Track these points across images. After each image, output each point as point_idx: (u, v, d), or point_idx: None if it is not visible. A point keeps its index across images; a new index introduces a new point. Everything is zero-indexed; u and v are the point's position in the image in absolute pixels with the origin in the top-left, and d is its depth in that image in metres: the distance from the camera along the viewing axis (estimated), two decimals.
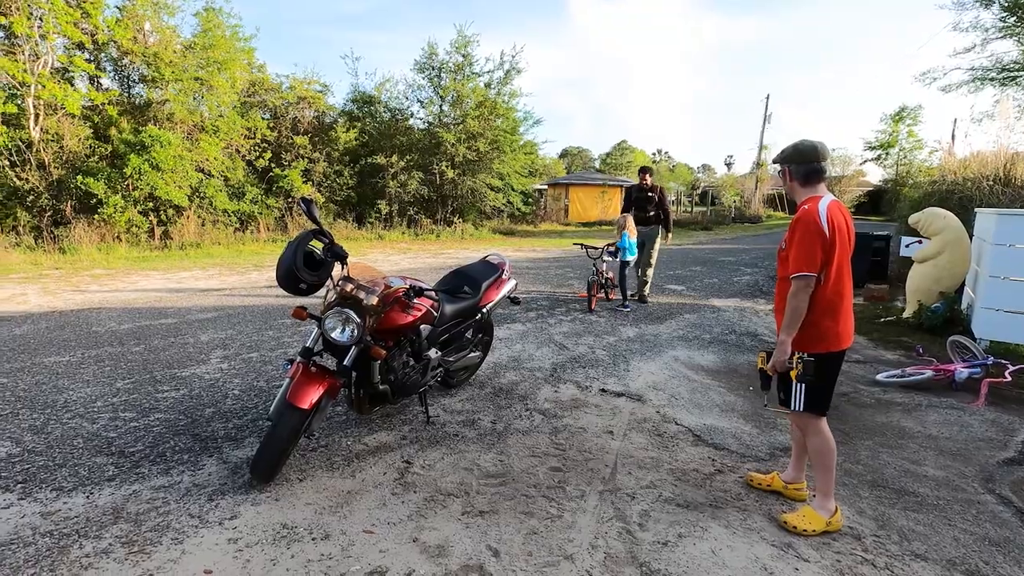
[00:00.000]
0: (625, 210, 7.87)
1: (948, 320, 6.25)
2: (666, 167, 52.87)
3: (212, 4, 15.26)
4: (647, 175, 7.74)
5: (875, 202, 39.01)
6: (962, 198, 8.51)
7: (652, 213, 7.70)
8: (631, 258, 7.41)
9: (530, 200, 26.76)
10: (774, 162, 2.80)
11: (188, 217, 13.73)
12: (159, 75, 14.17)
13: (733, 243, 19.79)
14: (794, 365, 2.44)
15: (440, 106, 20.12)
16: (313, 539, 2.33)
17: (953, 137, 18.82)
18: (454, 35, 19.38)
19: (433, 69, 19.53)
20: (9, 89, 12.31)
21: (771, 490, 2.84)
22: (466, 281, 3.92)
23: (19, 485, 2.65)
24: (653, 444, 3.40)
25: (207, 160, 14.24)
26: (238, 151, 15.55)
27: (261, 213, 15.60)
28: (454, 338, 3.80)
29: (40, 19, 12.43)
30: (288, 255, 2.80)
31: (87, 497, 2.57)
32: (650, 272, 7.86)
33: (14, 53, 12.31)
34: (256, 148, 15.92)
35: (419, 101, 20.28)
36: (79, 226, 11.94)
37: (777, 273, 2.71)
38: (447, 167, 19.02)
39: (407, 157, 18.62)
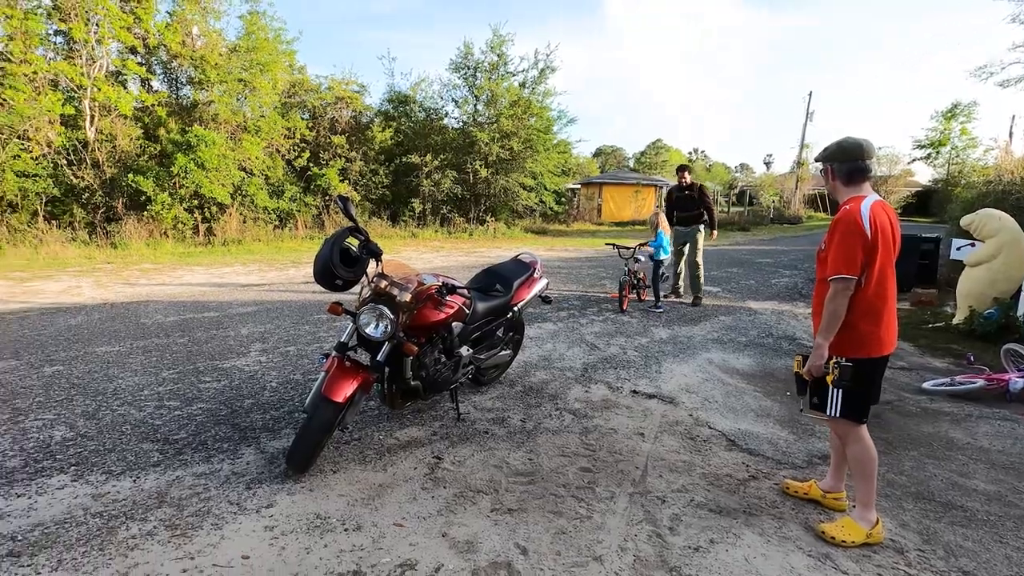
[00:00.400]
0: (668, 213, 7.74)
1: (1002, 327, 5.94)
2: (702, 166, 51.87)
3: (256, 8, 15.73)
4: (685, 173, 7.58)
5: (924, 203, 37.36)
6: (1020, 199, 8.07)
7: (694, 212, 7.52)
8: (664, 257, 7.31)
9: (563, 199, 26.69)
10: (816, 160, 2.71)
11: (230, 214, 14.18)
12: (205, 77, 14.68)
13: (771, 244, 19.28)
14: (830, 370, 2.36)
15: (474, 105, 20.22)
16: (345, 530, 2.38)
17: (1011, 135, 17.88)
18: (489, 35, 19.44)
19: (468, 68, 19.66)
20: (68, 92, 12.97)
21: (808, 499, 2.76)
22: (498, 279, 3.94)
23: (72, 467, 2.79)
24: (685, 447, 3.34)
25: (249, 159, 14.69)
26: (278, 150, 15.98)
27: (299, 211, 15.98)
28: (485, 336, 3.81)
29: (96, 25, 13.04)
30: (325, 252, 2.86)
31: (134, 481, 2.69)
32: (700, 273, 7.60)
33: (72, 58, 12.95)
34: (295, 148, 16.33)
35: (454, 100, 20.44)
36: (129, 222, 12.47)
37: (816, 275, 2.63)
38: (480, 166, 19.11)
39: (441, 156, 18.80)
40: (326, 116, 18.38)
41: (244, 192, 14.60)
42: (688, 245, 7.72)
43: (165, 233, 12.91)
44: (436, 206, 19.18)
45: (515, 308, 3.94)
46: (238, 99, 15.46)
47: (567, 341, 5.59)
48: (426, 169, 18.35)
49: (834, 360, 2.37)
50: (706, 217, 7.58)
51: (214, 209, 14.00)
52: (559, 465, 3.04)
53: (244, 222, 14.47)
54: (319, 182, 16.49)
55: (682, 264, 8.07)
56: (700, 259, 7.62)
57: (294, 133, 16.32)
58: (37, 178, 11.91)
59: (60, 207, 12.66)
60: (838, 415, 2.43)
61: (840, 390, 2.40)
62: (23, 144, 11.77)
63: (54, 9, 12.72)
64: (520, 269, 4.12)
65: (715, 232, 7.76)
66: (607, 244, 8.31)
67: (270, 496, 2.60)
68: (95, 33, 12.96)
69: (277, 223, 15.47)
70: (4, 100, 11.45)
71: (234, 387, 3.99)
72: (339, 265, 2.88)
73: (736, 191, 42.26)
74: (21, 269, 9.04)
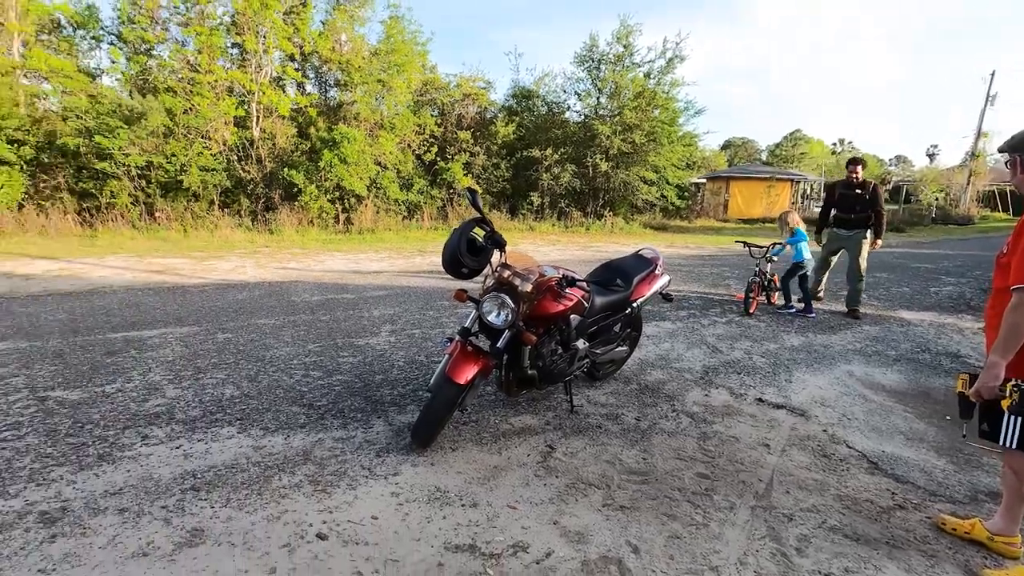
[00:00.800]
0: (824, 209, 6.99)
1: None
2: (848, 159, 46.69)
3: (396, 12, 16.86)
4: (858, 168, 6.59)
5: None
6: None
7: (862, 214, 6.51)
8: (804, 260, 6.60)
9: (686, 194, 25.50)
10: (1001, 150, 2.33)
11: (366, 205, 15.42)
12: (349, 79, 16.05)
13: (932, 248, 16.90)
14: (1008, 394, 2.03)
15: (597, 98, 19.98)
16: (462, 505, 2.51)
17: None
18: (616, 25, 19.05)
19: (592, 61, 19.45)
20: (239, 96, 14.88)
21: (970, 539, 2.41)
22: (618, 274, 3.89)
23: (238, 422, 3.24)
24: (817, 465, 3.07)
25: (384, 154, 15.84)
26: (409, 146, 17.04)
27: (426, 203, 16.94)
28: (602, 330, 3.79)
29: (264, 37, 14.80)
30: (453, 241, 3.02)
31: (285, 439, 3.06)
32: (861, 285, 6.64)
33: (244, 66, 14.83)
34: (425, 143, 17.30)
35: (576, 94, 20.34)
36: (283, 211, 14.06)
37: (993, 283, 2.28)
38: (601, 160, 18.87)
39: (561, 150, 18.84)
40: (453, 112, 19.22)
41: (378, 185, 15.79)
42: (847, 252, 6.74)
43: (312, 221, 14.37)
44: (554, 200, 19.29)
45: (634, 304, 3.87)
46: (376, 98, 16.71)
47: (686, 341, 5.37)
48: (546, 163, 18.51)
49: (1012, 383, 2.04)
50: (873, 221, 6.54)
51: (352, 200, 15.30)
52: (674, 468, 2.95)
53: (377, 212, 15.66)
54: (444, 175, 17.33)
55: (826, 274, 7.29)
56: (863, 268, 6.58)
57: (424, 129, 17.29)
58: (214, 172, 13.83)
59: (231, 197, 14.59)
60: (1014, 446, 2.09)
61: (1019, 418, 2.06)
62: (205, 143, 13.72)
63: (232, 25, 14.65)
64: (641, 264, 4.03)
65: (880, 241, 6.65)
66: (737, 242, 7.82)
67: (396, 465, 2.82)
68: (263, 44, 14.72)
69: (406, 214, 16.53)
70: (193, 105, 13.42)
71: (367, 363, 4.36)
72: (465, 254, 3.03)
73: (889, 186, 37.53)
74: (200, 249, 10.59)
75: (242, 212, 14.31)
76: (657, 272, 4.09)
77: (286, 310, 5.97)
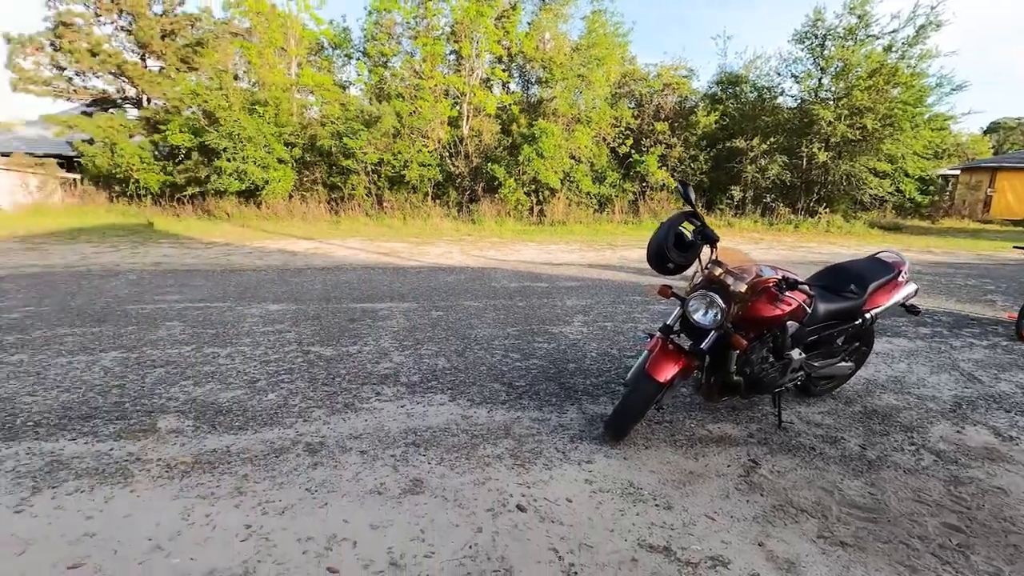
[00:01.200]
0: None
1: None
2: None
3: (599, 6, 16.95)
4: None
5: None
6: None
7: None
8: None
9: (930, 188, 21.24)
10: None
11: (559, 198, 15.89)
12: (551, 76, 16.63)
13: None
14: None
15: (819, 79, 17.65)
16: (656, 505, 2.45)
17: None
18: None
19: (815, 37, 17.22)
20: (454, 98, 16.44)
21: None
22: (850, 279, 3.40)
23: (449, 391, 3.61)
24: None
25: (578, 148, 16.12)
26: (604, 139, 17.07)
27: (617, 196, 16.84)
28: (823, 341, 3.36)
29: (477, 43, 16.09)
30: (661, 234, 2.93)
31: (488, 412, 3.31)
32: None
33: (459, 71, 16.32)
34: (620, 136, 17.16)
35: (793, 76, 18.23)
36: (485, 203, 15.23)
37: None
38: (818, 149, 16.68)
39: (770, 139, 17.10)
40: (651, 103, 18.71)
41: (572, 178, 16.14)
42: None
43: (509, 213, 15.31)
44: (758, 194, 17.64)
45: (867, 315, 3.35)
46: (575, 93, 17.05)
47: (930, 365, 4.49)
48: (751, 154, 17.00)
49: None
50: None
51: (546, 193, 15.90)
52: (913, 511, 2.50)
53: (569, 205, 16.04)
54: (638, 168, 17.00)
55: None
56: None
57: (620, 122, 17.15)
58: (430, 167, 15.53)
59: (441, 189, 16.26)
60: None
61: None
62: (424, 141, 15.47)
63: (451, 33, 16.21)
64: (880, 269, 3.46)
65: None
66: (1015, 248, 6.27)
67: (589, 453, 2.87)
68: (476, 49, 16.02)
69: (596, 207, 16.65)
70: (416, 108, 15.21)
71: (560, 350, 4.50)
72: (672, 248, 2.92)
73: None
74: (415, 235, 12.02)
75: (450, 203, 15.85)
76: (900, 279, 3.48)
77: (487, 294, 6.46)
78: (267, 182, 14.45)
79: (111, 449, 2.74)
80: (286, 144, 15.05)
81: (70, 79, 18.41)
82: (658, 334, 2.91)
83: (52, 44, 17.67)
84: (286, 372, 3.82)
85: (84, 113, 18.26)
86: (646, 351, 2.90)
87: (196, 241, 10.94)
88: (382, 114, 14.68)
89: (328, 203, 15.35)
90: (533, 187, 15.76)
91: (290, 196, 15.07)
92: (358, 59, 17.80)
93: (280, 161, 14.83)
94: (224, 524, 2.21)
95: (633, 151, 17.33)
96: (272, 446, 2.82)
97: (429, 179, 15.67)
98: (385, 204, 15.33)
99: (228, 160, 14.04)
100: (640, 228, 15.38)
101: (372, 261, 8.52)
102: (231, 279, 7.05)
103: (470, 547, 2.15)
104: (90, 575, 1.93)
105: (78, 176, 17.11)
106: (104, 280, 6.88)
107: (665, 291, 2.94)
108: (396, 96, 15.51)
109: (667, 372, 2.73)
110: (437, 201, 15.90)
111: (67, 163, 18.34)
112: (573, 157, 16.20)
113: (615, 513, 2.38)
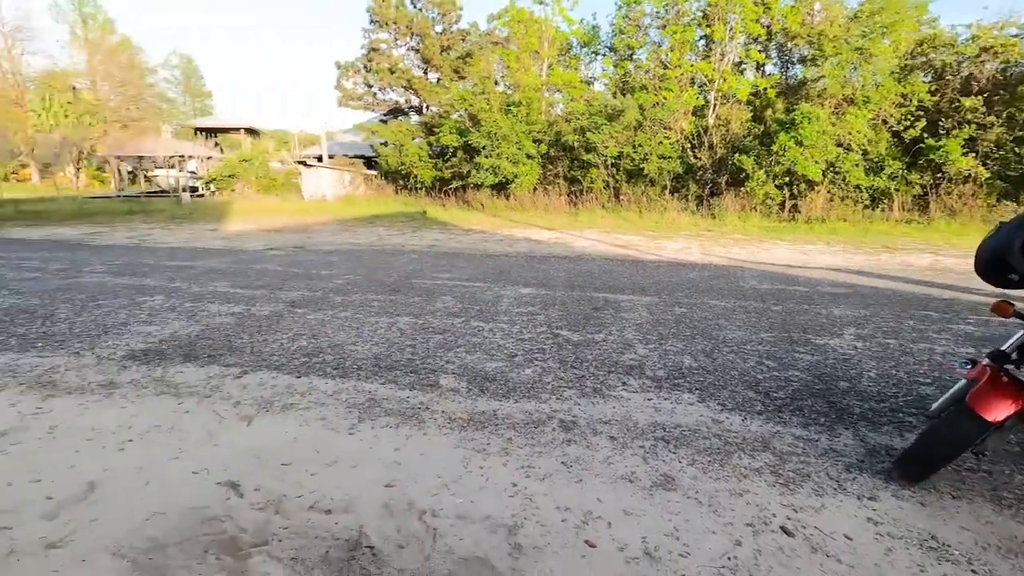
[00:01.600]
0: None
1: None
2: None
3: None
4: None
5: None
6: None
7: None
8: None
9: None
10: None
11: (818, 192, 13.91)
12: (819, 52, 14.54)
13: None
14: None
15: None
16: (974, 572, 1.99)
17: None
18: None
19: None
20: (700, 86, 15.61)
21: None
22: None
23: (697, 391, 3.47)
24: None
25: (849, 134, 13.83)
26: (884, 121, 14.31)
27: (898, 190, 14.01)
28: None
29: (731, 25, 14.94)
30: (1002, 238, 2.33)
31: (742, 420, 3.09)
32: None
33: (709, 57, 15.40)
34: (908, 117, 14.18)
35: None
36: (728, 197, 14.17)
37: None
38: None
39: None
40: (958, 75, 14.97)
41: (837, 169, 13.96)
42: None
43: (755, 208, 13.99)
44: None
45: None
46: (850, 70, 14.62)
47: None
48: None
49: None
50: None
51: (802, 186, 14.06)
52: None
53: (831, 200, 13.94)
54: (932, 156, 13.84)
55: None
56: None
57: (910, 100, 14.16)
58: (670, 159, 15.07)
59: (680, 182, 15.66)
60: None
61: None
62: (666, 133, 15.06)
63: (703, 18, 15.36)
64: None
65: None
66: None
67: (872, 489, 2.46)
68: (729, 31, 14.90)
69: (868, 202, 14.12)
70: (661, 99, 14.88)
71: (828, 364, 3.96)
72: (1018, 254, 2.30)
73: None
74: (652, 229, 11.82)
75: (688, 197, 15.17)
76: None
77: (735, 294, 6.02)
78: (516, 176, 15.81)
79: (408, 396, 3.33)
80: (534, 140, 16.21)
81: (375, 94, 22.94)
82: (986, 360, 2.34)
83: (365, 67, 22.18)
84: (539, 351, 4.13)
85: (381, 121, 22.66)
86: (964, 379, 2.36)
87: (458, 228, 12.58)
88: (625, 107, 14.72)
89: (568, 196, 16.10)
90: (786, 179, 14.06)
91: (534, 189, 16.24)
92: (604, 55, 18.15)
93: (528, 156, 16.06)
94: (495, 478, 2.51)
95: (926, 134, 14.14)
96: (531, 416, 3.09)
97: (668, 172, 15.22)
98: (622, 197, 15.42)
99: (486, 157, 15.77)
100: (928, 230, 12.55)
101: (610, 253, 8.66)
102: (488, 262, 7.92)
103: (728, 558, 2.04)
104: (400, 495, 2.38)
105: (375, 172, 21.19)
106: (394, 257, 8.39)
107: (1004, 308, 2.34)
108: (640, 88, 15.38)
109: (999, 411, 2.18)
110: (675, 195, 15.36)
111: (367, 162, 22.90)
112: (840, 144, 13.95)
113: (911, 566, 2.01)
